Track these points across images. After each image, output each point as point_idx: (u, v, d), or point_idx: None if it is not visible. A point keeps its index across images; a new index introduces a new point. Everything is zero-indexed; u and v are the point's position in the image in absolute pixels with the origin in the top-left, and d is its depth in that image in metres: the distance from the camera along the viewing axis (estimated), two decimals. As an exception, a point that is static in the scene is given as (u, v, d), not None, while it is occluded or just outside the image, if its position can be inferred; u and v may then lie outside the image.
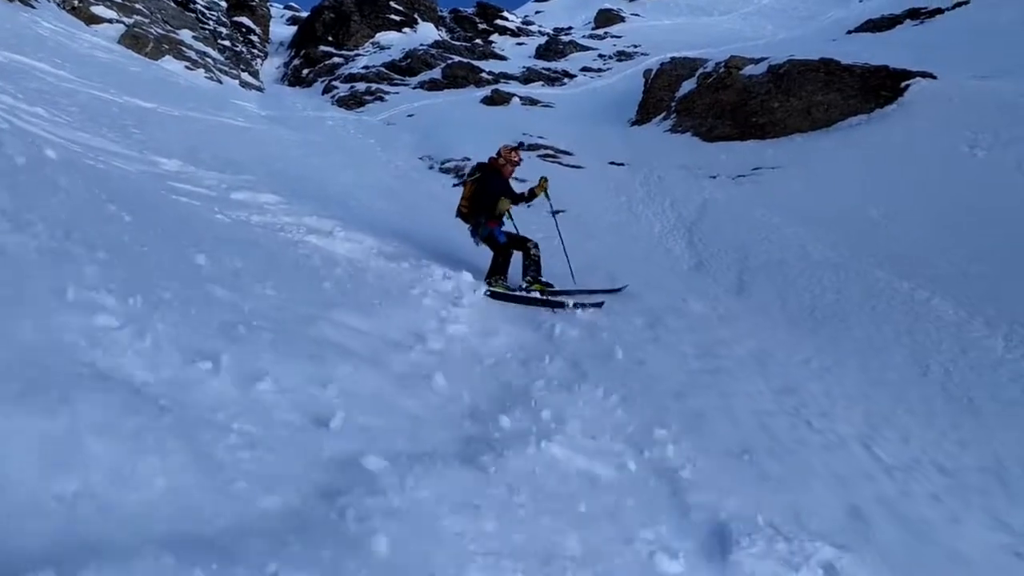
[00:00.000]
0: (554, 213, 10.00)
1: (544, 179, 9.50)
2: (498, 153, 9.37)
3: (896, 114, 16.87)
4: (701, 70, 22.59)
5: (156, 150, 10.59)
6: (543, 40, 42.57)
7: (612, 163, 19.13)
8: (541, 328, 7.51)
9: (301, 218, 8.93)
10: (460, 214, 9.39)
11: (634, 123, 23.45)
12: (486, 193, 9.09)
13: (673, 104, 22.49)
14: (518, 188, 9.97)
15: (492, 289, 8.48)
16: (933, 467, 5.93)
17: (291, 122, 23.34)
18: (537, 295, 8.64)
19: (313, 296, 5.96)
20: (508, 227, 9.56)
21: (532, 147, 20.22)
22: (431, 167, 18.50)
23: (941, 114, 15.74)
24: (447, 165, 18.16)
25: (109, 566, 2.22)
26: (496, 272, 9.01)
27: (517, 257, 9.28)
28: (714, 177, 17.15)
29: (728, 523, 4.17)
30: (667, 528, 3.97)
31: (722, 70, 21.64)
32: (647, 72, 25.16)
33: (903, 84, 17.34)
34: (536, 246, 9.24)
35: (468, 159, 18.04)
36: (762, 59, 21.16)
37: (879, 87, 17.73)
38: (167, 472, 2.80)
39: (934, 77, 17.34)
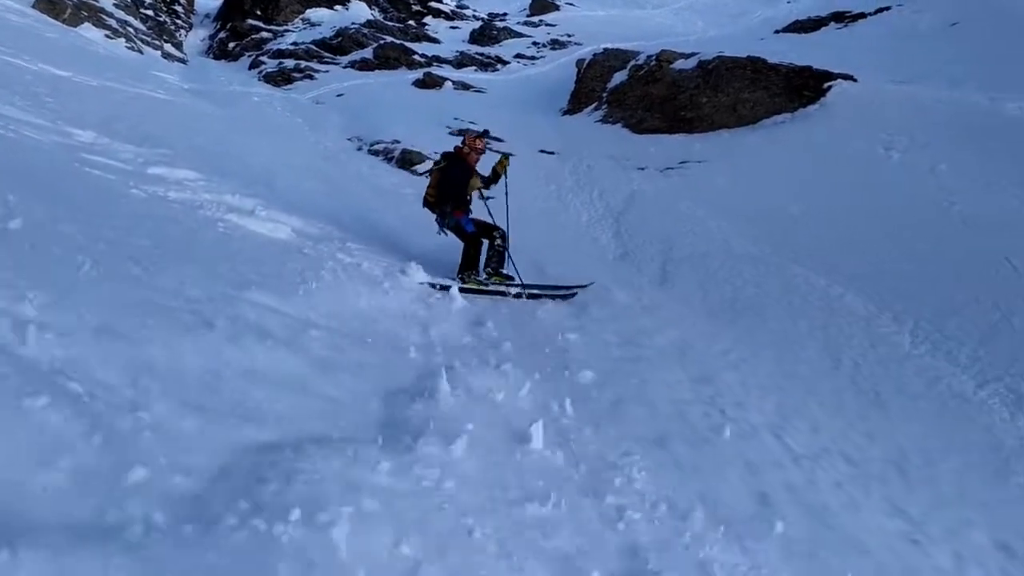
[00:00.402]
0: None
1: (505, 156, 9.63)
2: (463, 141, 9.36)
3: (818, 114, 17.32)
4: (633, 62, 22.77)
5: (70, 120, 10.17)
6: (477, 25, 42.30)
7: (543, 151, 19.16)
8: (467, 314, 7.50)
9: (221, 196, 8.70)
10: (427, 203, 9.34)
11: (566, 112, 23.52)
12: (450, 181, 9.06)
13: (604, 95, 22.63)
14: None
15: (464, 285, 8.52)
16: (840, 456, 6.14)
17: (215, 97, 22.69)
18: (502, 288, 8.78)
19: (232, 276, 5.82)
20: (481, 213, 9.55)
21: (463, 131, 20.11)
22: (360, 148, 18.24)
23: (860, 116, 16.23)
24: (376, 147, 17.93)
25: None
26: (468, 267, 9.01)
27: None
28: (642, 169, 17.35)
29: (626, 508, 4.24)
30: (567, 504, 4.02)
31: (653, 63, 21.86)
32: (580, 62, 25.24)
33: (825, 85, 17.80)
34: (503, 236, 9.25)
35: (398, 142, 17.85)
36: (692, 54, 21.45)
37: (802, 87, 18.17)
38: (65, 452, 2.70)
39: (855, 80, 17.86)
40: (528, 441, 4.69)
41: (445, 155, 9.46)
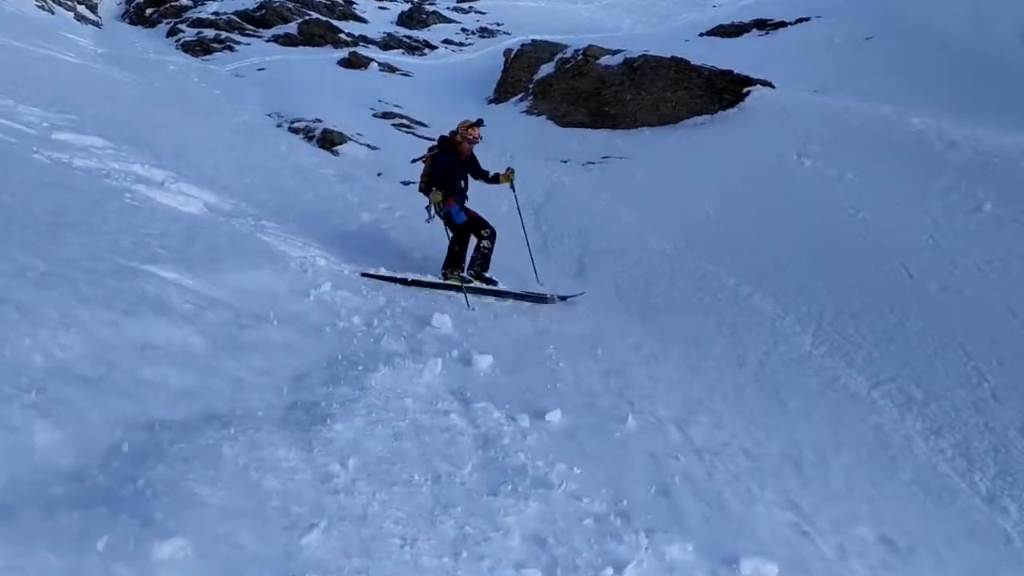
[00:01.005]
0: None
1: (511, 171, 9.55)
2: (456, 128, 9.21)
3: (736, 118, 17.75)
4: (560, 55, 22.88)
5: (-32, 79, 9.66)
6: (407, 7, 41.81)
7: (466, 139, 19.12)
8: (380, 297, 7.42)
9: (130, 165, 8.40)
10: (421, 189, 9.37)
11: (491, 101, 23.50)
12: (439, 169, 8.99)
13: (531, 86, 22.69)
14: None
15: (447, 282, 8.59)
16: (739, 451, 6.33)
17: (129, 63, 21.86)
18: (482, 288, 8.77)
19: (136, 249, 5.63)
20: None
21: (387, 115, 19.90)
22: (279, 125, 17.85)
23: (776, 122, 16.69)
24: (297, 125, 17.56)
25: None
26: (451, 264, 8.88)
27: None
28: (565, 162, 17.48)
29: (529, 494, 4.29)
30: (468, 487, 4.05)
31: (580, 58, 22.01)
32: (507, 51, 25.24)
33: (745, 90, 18.25)
34: (491, 237, 9.08)
35: (320, 121, 17.53)
36: (619, 51, 21.68)
37: (723, 90, 18.58)
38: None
39: (772, 86, 18.36)
40: (434, 425, 4.69)
41: (440, 140, 9.35)
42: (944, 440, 7.13)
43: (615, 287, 11.00)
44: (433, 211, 8.99)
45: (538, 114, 21.25)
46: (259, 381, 4.24)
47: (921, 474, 6.65)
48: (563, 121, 20.46)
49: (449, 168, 8.96)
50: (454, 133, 9.17)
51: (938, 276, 9.97)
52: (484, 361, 6.32)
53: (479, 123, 9.13)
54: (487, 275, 8.98)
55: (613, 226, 13.37)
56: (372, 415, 4.35)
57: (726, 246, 12.06)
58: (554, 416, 5.61)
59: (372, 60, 27.38)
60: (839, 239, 11.53)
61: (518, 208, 10.31)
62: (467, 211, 9.10)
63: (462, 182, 9.13)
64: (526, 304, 8.99)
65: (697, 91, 18.95)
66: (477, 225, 9.07)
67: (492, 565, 3.40)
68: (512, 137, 19.04)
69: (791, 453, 6.57)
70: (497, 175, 9.38)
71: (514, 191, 9.77)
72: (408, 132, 19.03)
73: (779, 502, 5.47)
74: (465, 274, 8.81)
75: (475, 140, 9.13)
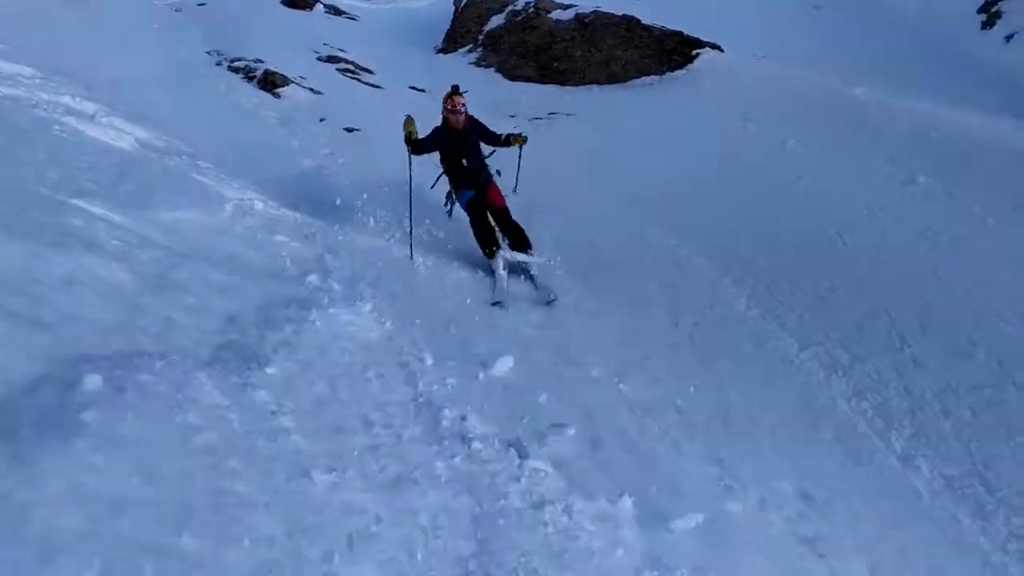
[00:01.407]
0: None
1: (522, 135, 9.27)
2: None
3: (684, 80, 17.80)
4: (511, 7, 22.57)
5: None
6: (357, -51, 40.72)
7: (413, 88, 18.81)
8: (317, 244, 7.31)
9: (60, 97, 8.07)
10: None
11: (440, 51, 23.13)
12: (428, 145, 8.64)
13: (480, 37, 22.38)
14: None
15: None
16: (671, 407, 6.47)
17: (62, -8, 20.84)
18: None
19: (64, 182, 5.43)
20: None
21: (331, 59, 19.41)
22: (219, 64, 17.27)
23: (723, 86, 16.79)
24: (237, 64, 17.01)
25: None
26: (486, 244, 8.53)
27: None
28: (512, 116, 17.32)
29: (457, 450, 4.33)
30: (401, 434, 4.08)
31: (531, 10, 21.76)
32: (458, 0, 24.81)
33: (694, 52, 18.28)
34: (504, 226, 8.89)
35: (261, 61, 17.01)
36: (570, 6, 21.48)
37: (672, 51, 18.59)
38: None
39: (721, 50, 18.44)
40: (370, 374, 4.67)
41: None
42: (865, 402, 7.36)
43: (558, 245, 11.01)
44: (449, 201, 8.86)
45: (487, 66, 21.00)
46: (189, 321, 4.15)
47: (842, 433, 6.87)
48: (512, 74, 20.26)
49: (440, 142, 8.53)
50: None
51: (870, 245, 10.21)
52: (438, 319, 6.32)
53: (455, 90, 8.58)
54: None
55: (558, 183, 13.33)
56: (305, 360, 4.30)
57: (669, 208, 12.14)
58: (490, 369, 5.64)
59: (318, 1, 26.63)
60: (778, 205, 11.70)
61: (517, 172, 9.71)
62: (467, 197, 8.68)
63: (464, 160, 8.56)
64: (475, 255, 8.95)
65: (647, 51, 18.92)
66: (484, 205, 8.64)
67: (417, 508, 3.42)
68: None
69: (720, 411, 6.73)
70: (509, 137, 9.01)
71: (519, 156, 9.44)
72: (353, 78, 18.63)
73: (705, 457, 5.61)
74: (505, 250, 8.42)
75: (457, 109, 8.47)
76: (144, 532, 2.33)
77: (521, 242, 8.48)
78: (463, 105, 8.42)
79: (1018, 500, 6.06)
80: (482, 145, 8.90)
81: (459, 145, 8.47)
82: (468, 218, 8.56)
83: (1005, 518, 5.86)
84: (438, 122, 8.70)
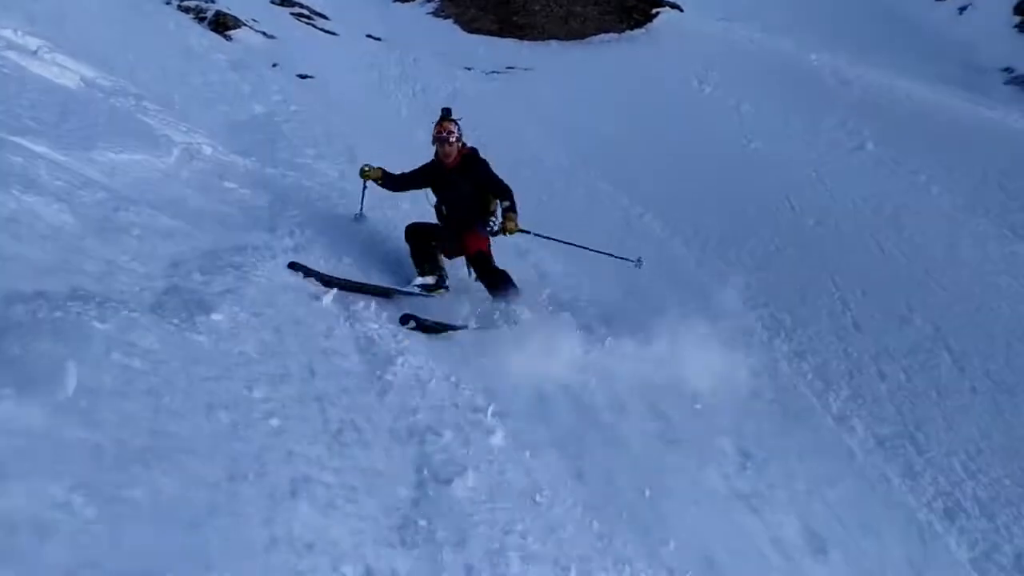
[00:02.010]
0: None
1: (515, 219, 6.53)
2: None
3: (643, 39, 17.75)
4: (472, -43, 22.17)
5: None
6: None
7: (369, 36, 18.44)
8: (265, 193, 7.15)
9: (0, 30, 7.72)
10: None
11: (397, -1, 22.70)
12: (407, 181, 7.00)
13: (439, -13, 22.00)
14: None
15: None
16: (616, 366, 6.55)
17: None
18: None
19: (4, 120, 5.22)
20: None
21: (285, 2, 18.87)
22: (168, 2, 16.67)
23: (680, 47, 16.79)
24: (187, 3, 16.45)
25: None
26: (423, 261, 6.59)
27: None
28: (469, 69, 17.14)
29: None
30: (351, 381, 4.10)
31: (492, -38, 21.40)
32: (418, -52, 24.26)
33: (654, 11, 18.23)
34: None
35: (212, 1, 16.49)
36: (531, -41, 21.17)
37: (633, 9, 18.49)
38: None
39: (681, 10, 18.42)
40: (318, 324, 4.65)
41: None
42: (806, 363, 7.56)
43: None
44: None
45: (445, 17, 20.65)
46: (133, 265, 4.06)
47: (781, 394, 7.06)
48: (470, 27, 19.97)
49: (423, 179, 6.78)
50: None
51: (817, 210, 10.40)
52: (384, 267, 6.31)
53: (445, 115, 6.58)
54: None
55: (513, 138, 13.26)
56: (251, 307, 4.25)
57: (622, 166, 12.19)
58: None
59: (273, -58, 25.78)
60: (730, 167, 11.83)
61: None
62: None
63: (443, 207, 6.71)
64: (422, 211, 8.87)
65: (607, 7, 18.80)
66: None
67: (363, 455, 3.45)
68: (416, 39, 18.51)
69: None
70: (506, 214, 6.42)
71: (527, 232, 7.32)
72: (307, 23, 18.17)
73: (647, 415, 5.72)
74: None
75: (443, 137, 6.40)
76: (83, 473, 2.30)
77: (498, 286, 6.45)
78: (455, 135, 6.39)
79: (945, 461, 6.32)
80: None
81: (443, 186, 6.62)
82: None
83: (932, 478, 6.12)
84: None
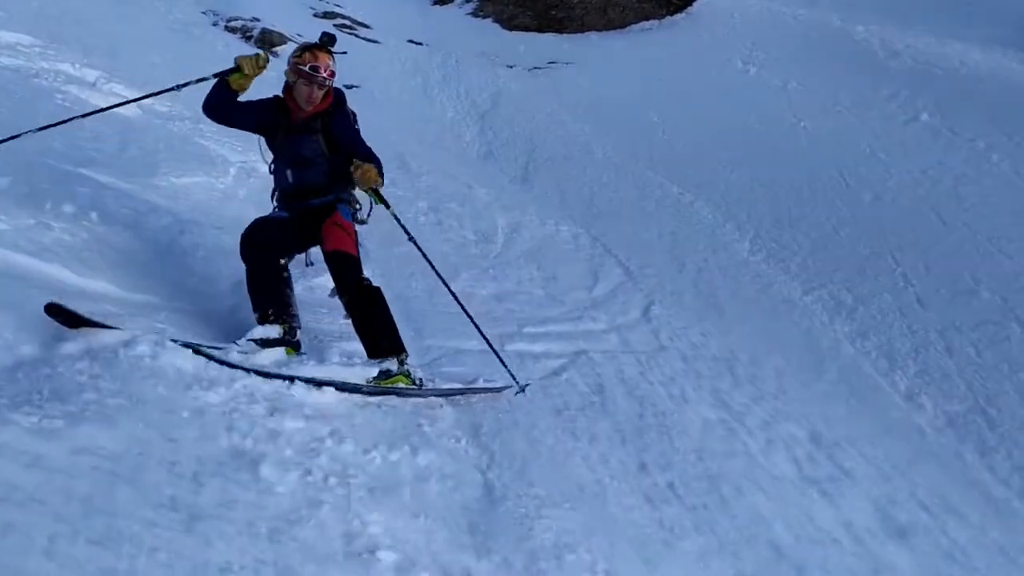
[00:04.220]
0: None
1: (371, 170, 4.10)
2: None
3: (683, 23, 17.61)
4: (507, -45, 22.22)
5: None
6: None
7: (411, 41, 18.65)
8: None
9: (59, 65, 8.03)
10: None
11: (436, 2, 22.85)
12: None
13: (477, -13, 22.10)
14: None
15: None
16: (676, 354, 6.55)
17: (52, -46, 20.54)
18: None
19: (69, 152, 5.46)
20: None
21: (328, 15, 19.21)
22: (215, 24, 17.08)
23: (723, 28, 16.62)
24: (234, 24, 16.85)
25: None
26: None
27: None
28: (511, 67, 17.22)
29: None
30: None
31: (527, -42, 21.42)
32: (453, -50, 24.40)
33: (694, -5, 18.08)
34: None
35: (258, 20, 16.85)
36: (567, -48, 21.14)
37: (672, -5, 18.36)
38: None
39: (721, -8, 18.21)
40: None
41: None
42: (869, 342, 7.44)
43: (560, 194, 11.05)
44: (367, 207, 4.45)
45: (484, 16, 20.77)
46: (201, 286, 4.23)
47: (846, 374, 6.96)
48: (509, 24, 20.05)
49: (260, 118, 4.35)
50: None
51: (873, 185, 10.19)
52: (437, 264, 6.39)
53: (325, 41, 4.31)
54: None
55: (559, 133, 13.32)
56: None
57: (670, 154, 12.13)
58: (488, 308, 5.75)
59: (312, -44, 26.18)
60: (780, 148, 11.67)
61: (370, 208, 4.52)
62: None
63: (288, 169, 4.34)
64: (472, 209, 8.96)
65: (645, -5, 18.69)
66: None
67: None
68: (457, 40, 18.66)
69: (725, 356, 6.81)
70: (361, 167, 4.09)
71: (386, 206, 4.29)
72: (350, 33, 18.44)
73: (711, 402, 5.69)
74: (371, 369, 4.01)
75: (317, 77, 4.14)
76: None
77: (373, 336, 4.11)
78: (333, 76, 4.24)
79: (1020, 435, 6.15)
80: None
81: (287, 142, 4.31)
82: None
83: (1007, 453, 5.97)
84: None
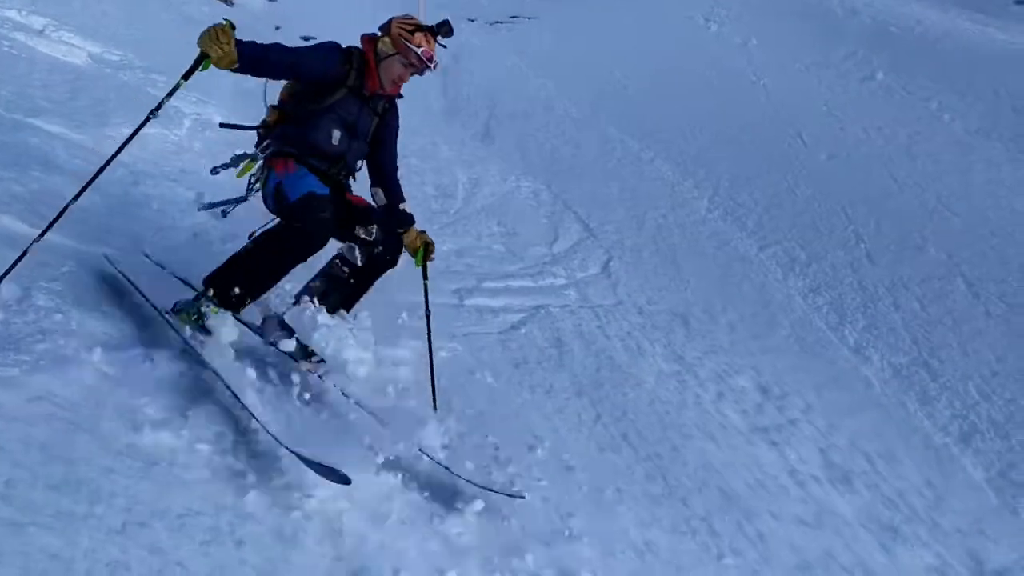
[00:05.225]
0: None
1: (423, 240, 3.96)
2: (385, 25, 3.86)
3: (647, -21, 17.50)
4: (469, -95, 21.82)
5: None
6: None
7: (371, -7, 18.31)
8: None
9: (5, 11, 7.81)
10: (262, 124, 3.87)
11: (397, -47, 22.42)
12: (310, 92, 3.71)
13: (438, -62, 21.69)
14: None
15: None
16: (633, 308, 6.68)
17: None
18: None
19: (18, 100, 5.35)
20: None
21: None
22: (169, -28, 16.63)
23: (687, -16, 16.56)
24: (187, -30, 16.38)
25: None
26: (225, 282, 3.39)
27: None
28: (472, 20, 17.03)
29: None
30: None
31: (490, -92, 21.06)
32: (414, -102, 23.88)
33: (657, -51, 17.92)
34: (373, 247, 3.83)
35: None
36: (530, -98, 20.82)
37: (635, -51, 18.19)
38: None
39: (685, -53, 18.09)
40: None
41: (342, 50, 3.76)
42: (821, 297, 7.61)
43: (521, 150, 11.03)
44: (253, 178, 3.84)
45: (446, -32, 20.41)
46: (157, 239, 4.20)
47: (798, 328, 7.13)
48: (472, -24, 19.74)
49: (327, 78, 3.66)
50: (376, 36, 3.83)
51: (828, 143, 10.34)
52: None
53: (445, 31, 3.78)
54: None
55: (521, 89, 13.25)
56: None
57: (632, 111, 12.14)
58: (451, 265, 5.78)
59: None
60: (740, 106, 11.74)
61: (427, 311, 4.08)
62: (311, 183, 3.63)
63: (338, 131, 3.71)
64: (434, 164, 8.93)
65: (609, -52, 18.49)
66: (355, 215, 3.81)
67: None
68: (418, -8, 18.33)
69: (681, 311, 6.95)
70: (404, 217, 3.92)
71: (424, 277, 4.04)
72: (308, -18, 18.05)
73: (665, 354, 5.83)
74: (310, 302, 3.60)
75: (422, 63, 3.68)
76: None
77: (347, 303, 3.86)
78: (435, 61, 3.77)
79: (961, 385, 6.38)
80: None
81: (353, 100, 3.71)
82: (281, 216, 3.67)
83: (948, 402, 6.20)
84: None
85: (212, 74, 3.76)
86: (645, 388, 5.11)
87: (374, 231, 3.74)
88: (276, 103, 3.80)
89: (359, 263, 3.78)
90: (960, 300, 7.35)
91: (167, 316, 3.27)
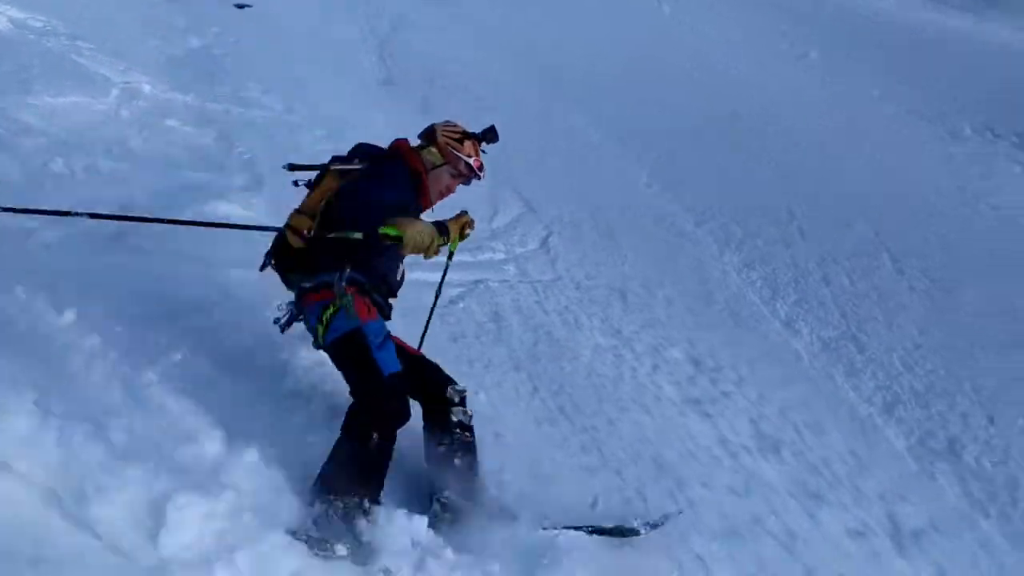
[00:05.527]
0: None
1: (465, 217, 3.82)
2: (428, 133, 3.80)
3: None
4: None
5: None
6: None
7: (308, -40, 17.87)
8: (211, 131, 7.07)
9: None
10: (278, 250, 3.72)
11: (335, -80, 21.92)
12: (361, 205, 3.42)
13: (378, -95, 21.27)
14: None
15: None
16: (571, 283, 6.75)
17: None
18: None
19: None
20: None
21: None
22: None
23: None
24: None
25: None
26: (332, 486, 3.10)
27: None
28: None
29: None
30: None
31: None
32: None
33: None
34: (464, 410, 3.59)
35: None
36: None
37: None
38: None
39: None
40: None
41: (384, 153, 3.80)
42: (755, 272, 7.78)
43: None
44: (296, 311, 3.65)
45: (385, -64, 20.04)
46: (78, 208, 4.08)
47: (732, 303, 7.27)
48: (412, -55, 19.42)
49: (383, 204, 3.38)
50: (420, 146, 3.78)
51: (764, 120, 10.57)
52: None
53: (491, 139, 3.79)
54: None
55: (460, 61, 13.15)
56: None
57: (578, 88, 12.17)
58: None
59: None
60: (688, 83, 11.92)
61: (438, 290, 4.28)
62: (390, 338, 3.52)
63: (401, 265, 3.80)
64: (372, 134, 8.82)
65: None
66: (424, 371, 3.73)
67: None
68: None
69: (618, 285, 7.03)
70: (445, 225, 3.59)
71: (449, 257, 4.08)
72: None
73: (602, 329, 5.91)
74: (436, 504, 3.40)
75: (473, 175, 3.78)
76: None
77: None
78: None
79: (885, 357, 6.60)
80: None
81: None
82: (349, 374, 3.43)
83: (872, 374, 6.40)
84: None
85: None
86: (582, 362, 5.18)
87: (461, 387, 3.55)
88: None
89: (470, 420, 3.51)
90: (886, 275, 7.60)
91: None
